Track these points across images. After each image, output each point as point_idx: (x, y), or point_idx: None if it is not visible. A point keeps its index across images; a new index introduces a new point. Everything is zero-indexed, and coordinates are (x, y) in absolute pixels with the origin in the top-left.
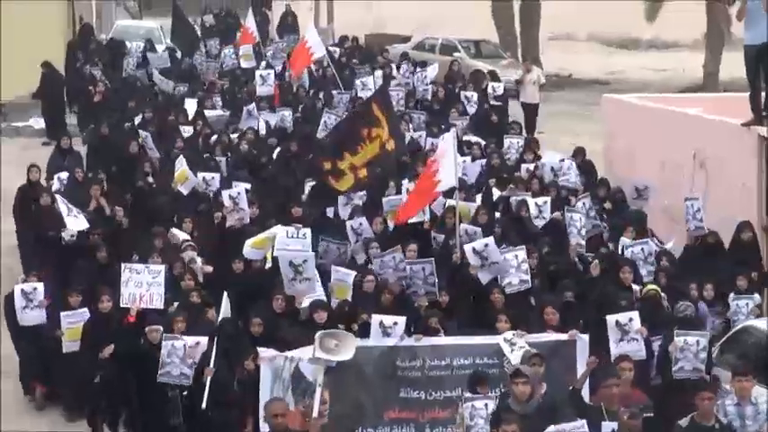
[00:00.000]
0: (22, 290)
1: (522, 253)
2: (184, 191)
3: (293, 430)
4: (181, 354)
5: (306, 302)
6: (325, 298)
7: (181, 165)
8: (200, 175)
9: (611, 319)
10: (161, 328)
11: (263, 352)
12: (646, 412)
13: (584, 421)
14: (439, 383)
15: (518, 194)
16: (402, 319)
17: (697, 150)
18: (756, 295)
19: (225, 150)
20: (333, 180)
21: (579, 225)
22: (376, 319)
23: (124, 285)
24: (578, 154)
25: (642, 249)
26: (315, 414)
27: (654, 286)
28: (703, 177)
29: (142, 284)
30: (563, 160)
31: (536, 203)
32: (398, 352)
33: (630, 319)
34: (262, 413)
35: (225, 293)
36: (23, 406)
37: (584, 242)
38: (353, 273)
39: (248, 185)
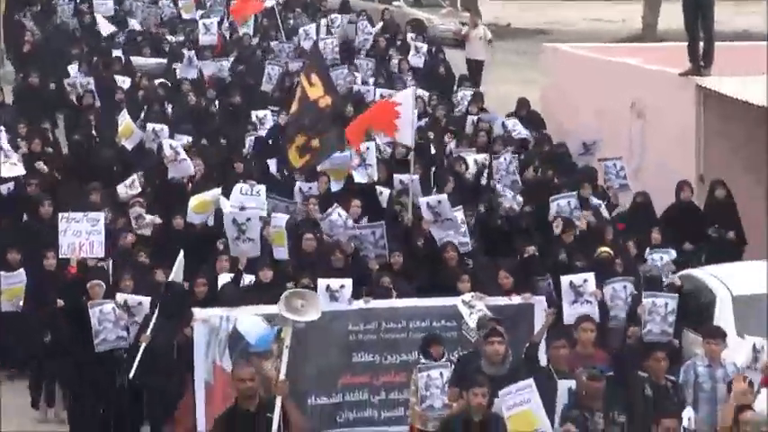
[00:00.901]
0: None
1: (459, 213)
2: (129, 145)
3: (263, 396)
4: (112, 317)
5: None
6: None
7: (124, 118)
8: (150, 126)
9: (564, 279)
10: (102, 283)
11: (198, 312)
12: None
13: (531, 380)
14: (394, 347)
15: (462, 151)
16: (349, 282)
17: (635, 100)
18: (672, 250)
19: (162, 102)
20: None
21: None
22: (322, 283)
23: (62, 235)
24: (522, 106)
25: (569, 203)
26: (281, 377)
27: (606, 248)
28: (641, 127)
29: (81, 233)
30: (509, 116)
31: (475, 160)
32: (349, 316)
33: (585, 281)
34: (199, 377)
35: (181, 253)
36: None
37: (517, 206)
38: (287, 216)
39: (189, 138)
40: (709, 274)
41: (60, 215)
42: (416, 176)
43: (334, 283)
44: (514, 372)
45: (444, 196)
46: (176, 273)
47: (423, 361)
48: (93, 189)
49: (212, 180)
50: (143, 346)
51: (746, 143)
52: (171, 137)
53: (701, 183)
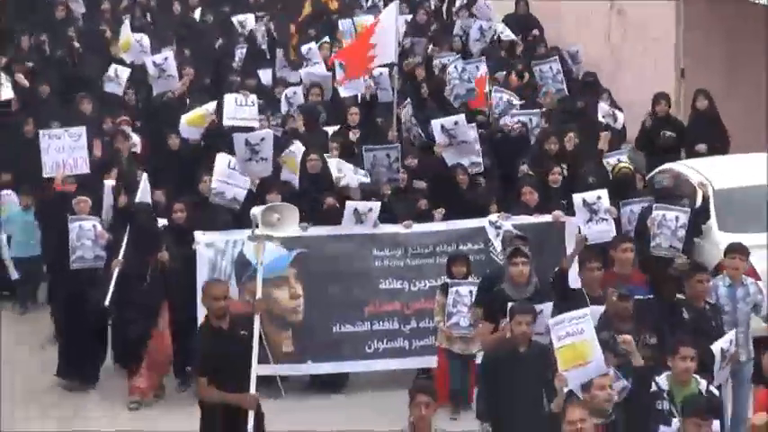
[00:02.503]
0: None
1: (473, 132)
2: (128, 59)
3: (235, 312)
4: (92, 235)
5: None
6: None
7: (125, 31)
8: (133, 38)
9: (577, 197)
10: (89, 200)
11: (200, 236)
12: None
13: (587, 309)
14: (422, 272)
15: (444, 55)
16: (377, 205)
17: None
18: (626, 150)
19: (144, 12)
20: None
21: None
22: (350, 205)
23: (45, 153)
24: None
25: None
26: (258, 296)
27: (625, 164)
28: (621, 26)
29: (64, 149)
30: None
31: (455, 67)
32: (375, 240)
33: (599, 198)
34: (200, 302)
35: (144, 173)
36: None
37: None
38: (303, 147)
39: (172, 51)
40: (690, 168)
41: (41, 132)
42: (385, 69)
43: (362, 206)
44: (539, 295)
45: (462, 117)
46: (142, 194)
47: (447, 280)
48: (83, 98)
49: (205, 93)
50: (116, 271)
51: (727, 37)
52: (157, 50)
53: (683, 78)
